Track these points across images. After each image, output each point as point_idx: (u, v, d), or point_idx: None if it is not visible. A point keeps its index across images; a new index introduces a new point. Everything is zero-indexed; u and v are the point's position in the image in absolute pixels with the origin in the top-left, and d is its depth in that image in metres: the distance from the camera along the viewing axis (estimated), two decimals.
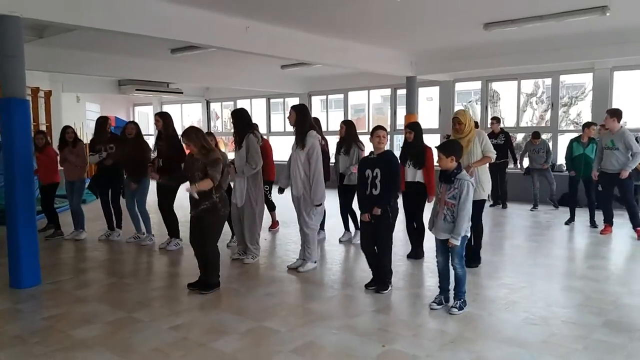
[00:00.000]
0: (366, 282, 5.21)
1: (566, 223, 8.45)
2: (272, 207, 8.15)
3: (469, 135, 5.57)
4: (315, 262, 5.92)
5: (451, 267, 4.54)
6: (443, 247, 4.52)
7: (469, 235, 4.51)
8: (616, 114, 7.31)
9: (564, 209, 9.15)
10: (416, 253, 6.31)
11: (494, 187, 10.34)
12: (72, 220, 7.75)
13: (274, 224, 8.30)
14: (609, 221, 7.69)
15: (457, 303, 4.48)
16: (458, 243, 4.34)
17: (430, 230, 4.64)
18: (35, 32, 7.88)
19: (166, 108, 18.60)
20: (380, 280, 5.09)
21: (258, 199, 6.17)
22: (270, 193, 7.88)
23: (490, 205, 10.13)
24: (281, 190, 6.12)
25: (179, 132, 6.87)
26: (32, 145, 6.93)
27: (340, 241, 7.28)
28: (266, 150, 7.77)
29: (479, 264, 5.88)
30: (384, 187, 4.90)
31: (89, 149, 7.60)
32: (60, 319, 4.42)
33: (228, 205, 5.24)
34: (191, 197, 5.02)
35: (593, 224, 8.18)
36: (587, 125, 8.45)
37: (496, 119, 10.39)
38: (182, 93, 16.11)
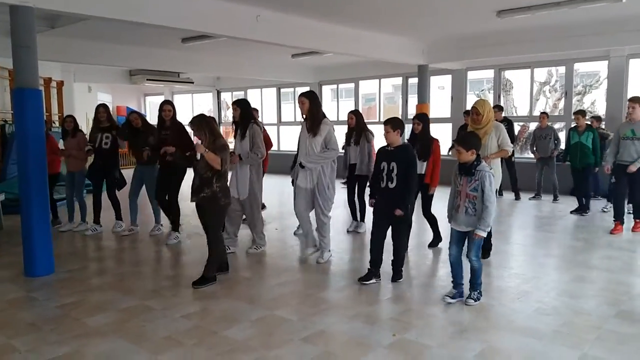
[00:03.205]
0: (360, 277, 5.07)
1: (581, 214, 8.39)
2: None
3: (486, 127, 5.43)
4: (330, 251, 5.92)
5: (465, 259, 4.49)
6: (459, 239, 4.47)
7: (490, 229, 4.47)
8: None
9: (566, 199, 9.02)
10: (436, 241, 6.38)
11: (504, 178, 10.30)
12: (67, 212, 7.68)
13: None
14: (619, 218, 7.20)
15: (473, 294, 4.45)
16: (484, 235, 4.30)
17: (450, 222, 4.61)
18: (48, 22, 7.91)
19: (177, 98, 18.65)
20: (395, 270, 5.09)
21: (260, 189, 6.15)
22: None
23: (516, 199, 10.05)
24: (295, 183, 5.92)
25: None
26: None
27: (348, 231, 7.28)
28: (266, 140, 7.78)
29: (489, 254, 5.82)
30: (401, 182, 4.84)
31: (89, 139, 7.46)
32: (74, 307, 4.48)
33: (229, 196, 5.13)
34: (193, 184, 4.98)
35: (587, 209, 8.37)
36: (576, 113, 8.46)
37: (498, 107, 10.16)
38: (192, 83, 16.13)
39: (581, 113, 8.46)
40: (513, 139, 10.18)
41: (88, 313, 4.32)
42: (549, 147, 9.70)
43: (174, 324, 4.09)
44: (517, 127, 11.97)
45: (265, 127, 8.27)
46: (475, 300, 4.43)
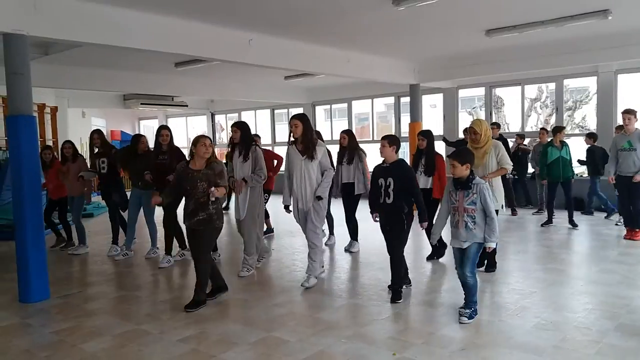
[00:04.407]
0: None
1: (542, 225, 8.72)
2: (266, 215, 8.31)
3: (485, 146, 5.49)
4: (322, 269, 5.88)
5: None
6: (462, 257, 4.45)
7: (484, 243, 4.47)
8: (635, 113, 7.13)
9: (562, 213, 9.07)
10: (437, 253, 6.40)
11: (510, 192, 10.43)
12: (76, 235, 7.80)
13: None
14: (638, 226, 7.34)
15: (467, 312, 4.41)
16: (494, 245, 4.37)
17: (432, 242, 4.78)
18: (41, 49, 7.96)
19: (171, 121, 18.72)
20: (393, 290, 5.03)
21: (260, 211, 6.15)
22: (266, 201, 7.98)
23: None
24: (288, 209, 5.73)
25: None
26: (40, 161, 7.04)
27: (345, 250, 7.24)
28: (270, 159, 7.86)
29: (494, 269, 5.84)
30: (398, 196, 4.87)
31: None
32: (70, 333, 4.42)
33: (222, 218, 5.09)
34: (187, 207, 4.90)
35: (573, 223, 8.48)
36: (558, 129, 8.74)
37: (496, 125, 10.39)
38: (186, 106, 16.19)
39: (563, 128, 8.78)
40: (510, 156, 10.23)
41: (84, 339, 4.27)
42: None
43: (171, 348, 4.04)
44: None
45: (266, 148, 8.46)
46: (469, 318, 4.38)
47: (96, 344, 4.14)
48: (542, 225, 8.76)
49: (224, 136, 18.33)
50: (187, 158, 5.28)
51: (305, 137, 5.44)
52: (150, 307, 5.10)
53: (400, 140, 5.28)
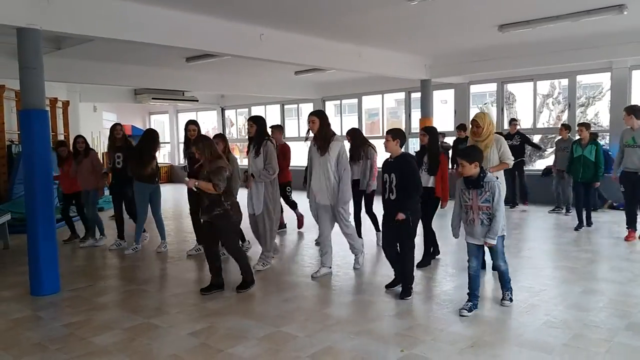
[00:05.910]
0: (387, 283, 5.25)
1: (575, 229, 8.16)
2: (294, 206, 8.39)
3: (486, 140, 5.40)
4: (363, 253, 6.13)
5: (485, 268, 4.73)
6: (478, 252, 4.55)
7: (505, 233, 4.59)
8: (633, 110, 7.05)
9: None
10: (425, 261, 6.12)
11: (510, 187, 10.42)
12: (85, 228, 7.91)
13: (300, 221, 8.49)
14: (632, 225, 7.26)
15: (507, 295, 4.67)
16: (495, 242, 4.41)
17: (456, 237, 4.68)
18: (53, 43, 8.02)
19: (182, 116, 18.78)
20: (403, 286, 5.03)
21: (276, 206, 6.15)
22: (290, 193, 8.24)
23: (511, 207, 10.28)
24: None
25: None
26: (55, 156, 7.15)
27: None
28: (285, 152, 7.98)
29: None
30: (400, 191, 4.84)
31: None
32: (80, 326, 4.46)
33: (240, 211, 5.31)
34: (203, 203, 5.17)
35: (589, 223, 8.33)
36: (579, 126, 8.29)
37: (514, 120, 10.52)
38: (197, 101, 16.26)
39: (585, 125, 8.21)
40: (537, 147, 10.31)
41: (94, 332, 4.31)
42: (566, 160, 9.40)
43: (180, 342, 4.07)
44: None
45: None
46: (511, 301, 4.64)
47: (106, 338, 4.18)
48: (575, 229, 8.20)
49: (233, 131, 18.37)
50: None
51: (321, 134, 5.59)
52: (159, 301, 5.13)
53: (411, 137, 5.26)
